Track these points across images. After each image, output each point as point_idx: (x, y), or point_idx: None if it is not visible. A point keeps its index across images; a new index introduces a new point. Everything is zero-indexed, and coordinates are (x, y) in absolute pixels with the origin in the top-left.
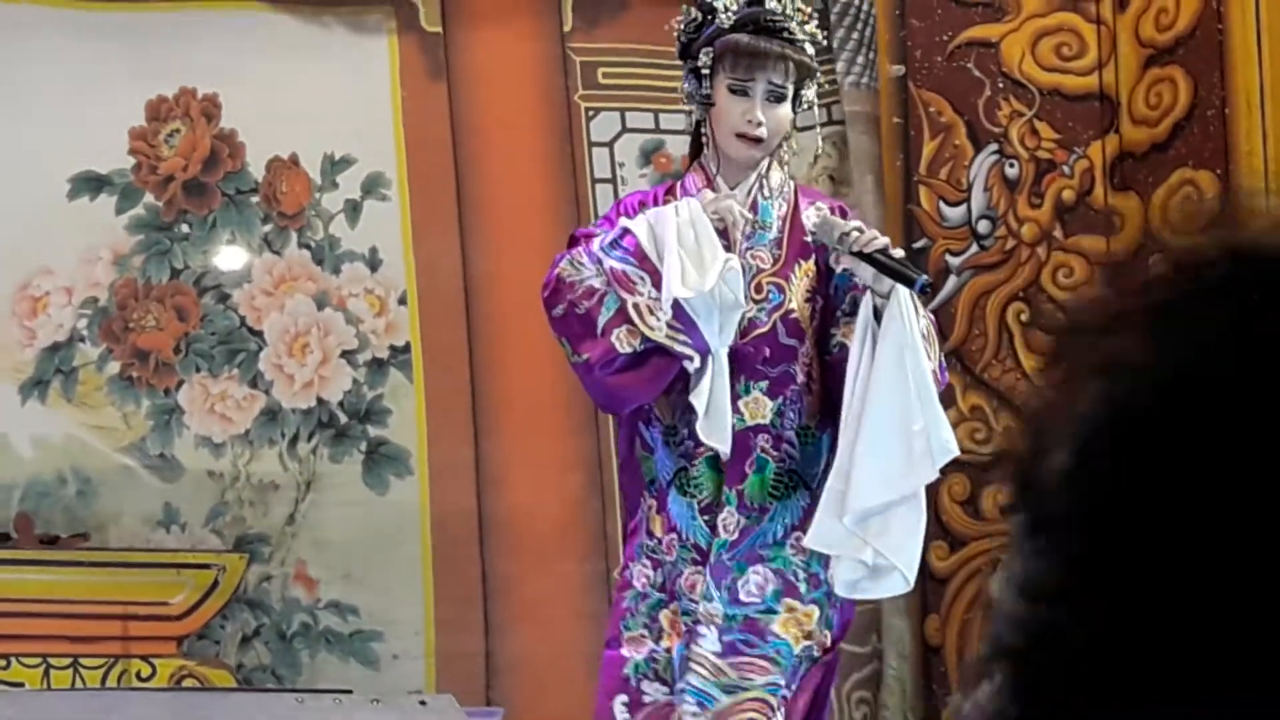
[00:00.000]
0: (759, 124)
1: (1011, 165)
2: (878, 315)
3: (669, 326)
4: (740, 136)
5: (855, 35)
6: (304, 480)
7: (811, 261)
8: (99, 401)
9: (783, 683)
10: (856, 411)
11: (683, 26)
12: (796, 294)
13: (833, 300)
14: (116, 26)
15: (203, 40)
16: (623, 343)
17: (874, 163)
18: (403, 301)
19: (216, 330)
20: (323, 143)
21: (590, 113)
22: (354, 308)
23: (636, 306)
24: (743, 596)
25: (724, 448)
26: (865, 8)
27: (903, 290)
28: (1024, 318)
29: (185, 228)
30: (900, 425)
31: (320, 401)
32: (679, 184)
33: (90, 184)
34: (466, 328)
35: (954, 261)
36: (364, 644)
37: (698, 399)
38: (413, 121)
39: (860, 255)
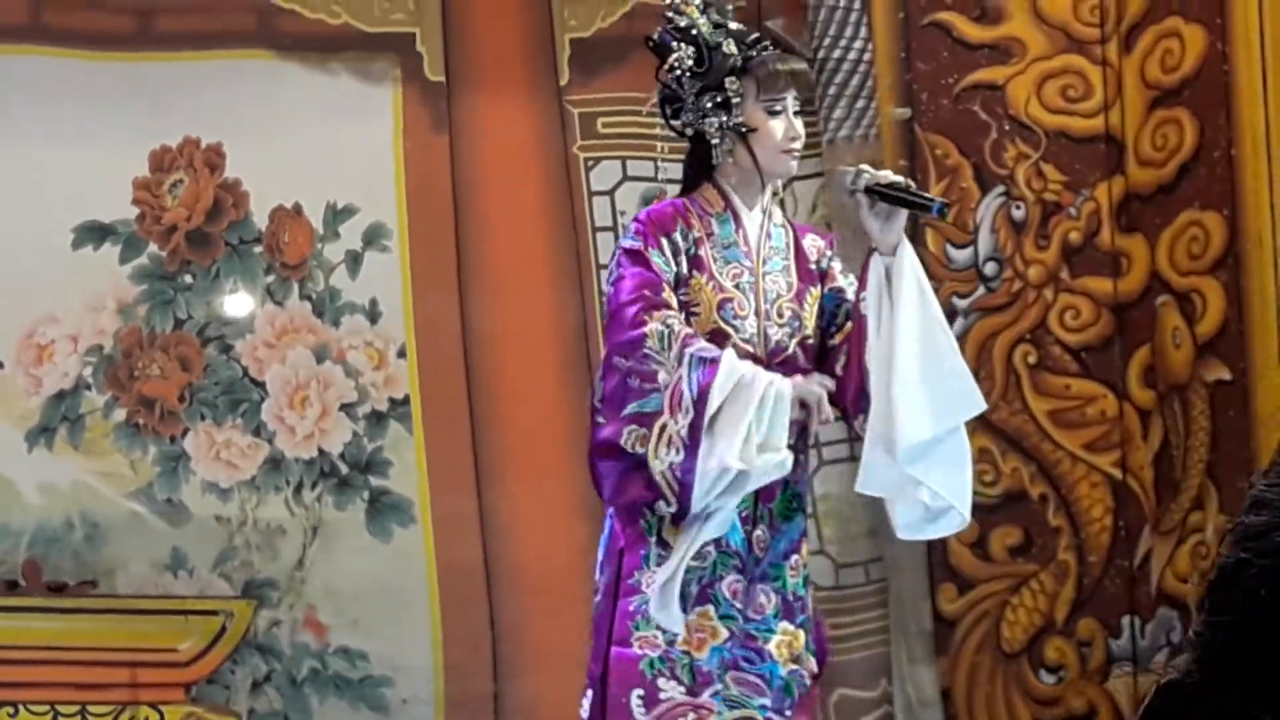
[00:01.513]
0: (798, 137)
1: (1018, 207)
2: (888, 277)
3: (670, 467)
4: (785, 152)
5: (833, 88)
6: (311, 526)
7: (817, 289)
8: (106, 448)
9: (770, 705)
10: (885, 356)
11: (684, 67)
12: (810, 320)
13: (825, 322)
14: (120, 76)
15: (206, 90)
16: (628, 440)
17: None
18: (402, 354)
19: (220, 380)
20: (326, 192)
21: (590, 162)
22: (353, 360)
23: (664, 428)
24: (751, 613)
25: (676, 629)
26: (849, 58)
27: (908, 247)
28: (1031, 360)
29: (189, 278)
30: (933, 364)
31: (322, 452)
32: (687, 200)
33: (94, 233)
34: (466, 380)
35: (961, 304)
36: (374, 689)
37: (664, 572)
38: (415, 172)
39: (874, 192)
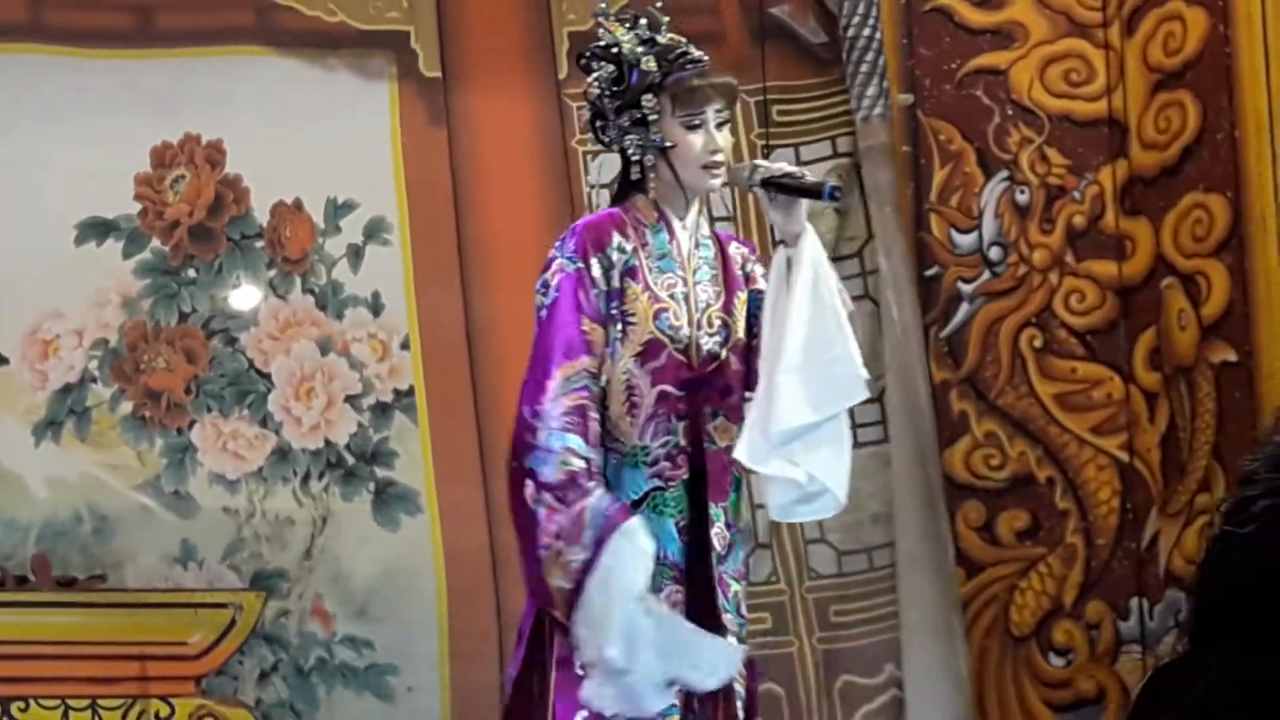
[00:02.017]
0: (719, 150)
1: (1022, 192)
2: (789, 266)
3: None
4: (705, 167)
5: (865, 66)
6: (319, 516)
7: (744, 293)
8: (113, 441)
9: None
10: (774, 344)
11: (602, 86)
12: (738, 325)
13: (749, 323)
14: (120, 73)
15: (206, 86)
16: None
17: (893, 194)
18: (405, 346)
19: (225, 372)
20: (326, 187)
21: (589, 156)
22: (357, 352)
23: (560, 553)
24: (744, 610)
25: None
26: (877, 37)
27: (811, 233)
28: (1037, 344)
29: (192, 272)
30: (818, 351)
31: (328, 443)
32: (623, 210)
33: (97, 229)
34: (470, 370)
35: (966, 289)
36: (379, 678)
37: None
38: (413, 166)
39: (769, 184)
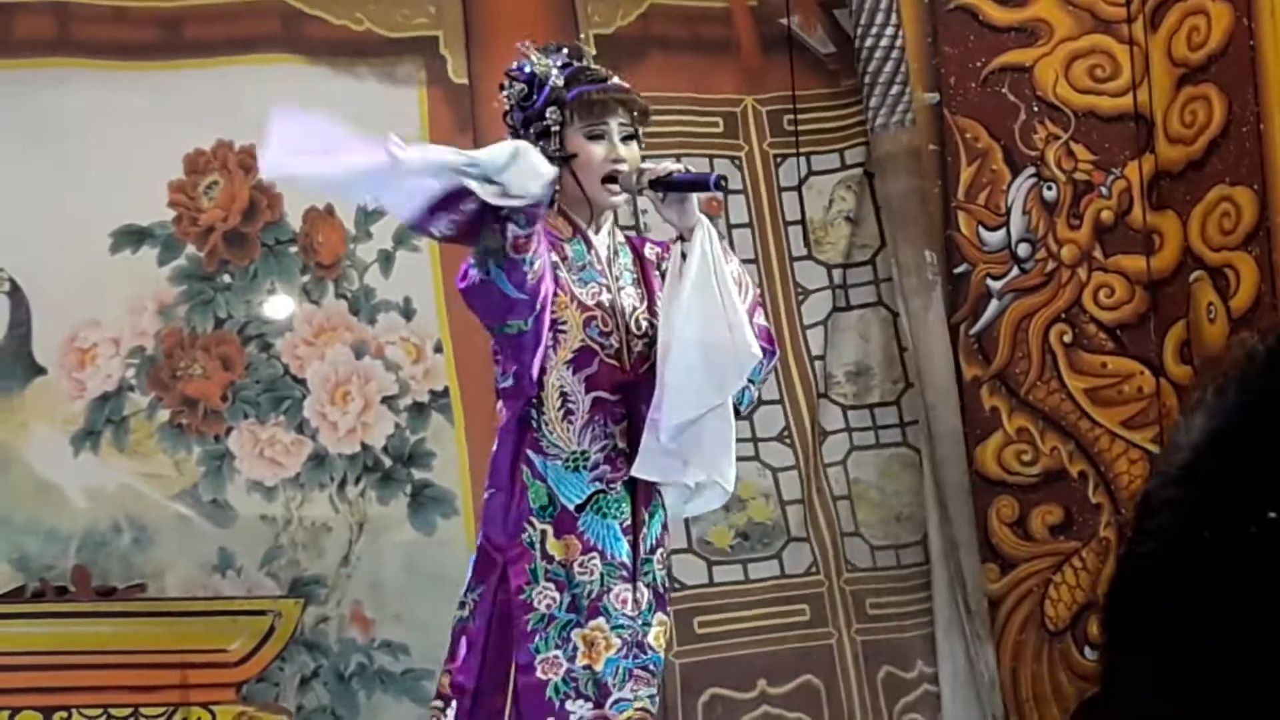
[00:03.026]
0: (621, 160)
1: (1049, 188)
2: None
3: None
4: (606, 180)
5: (884, 74)
6: (356, 522)
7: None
8: (150, 449)
9: (655, 693)
10: (665, 340)
11: (513, 102)
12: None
13: None
14: (150, 84)
15: (237, 94)
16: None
17: (915, 198)
18: (438, 349)
19: (261, 378)
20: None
21: None
22: (392, 354)
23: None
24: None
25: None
26: (897, 44)
27: (705, 225)
28: (1067, 339)
29: (227, 278)
30: (704, 343)
31: (365, 447)
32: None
33: (132, 237)
34: None
35: (995, 285)
36: (417, 682)
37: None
38: None
39: (655, 185)
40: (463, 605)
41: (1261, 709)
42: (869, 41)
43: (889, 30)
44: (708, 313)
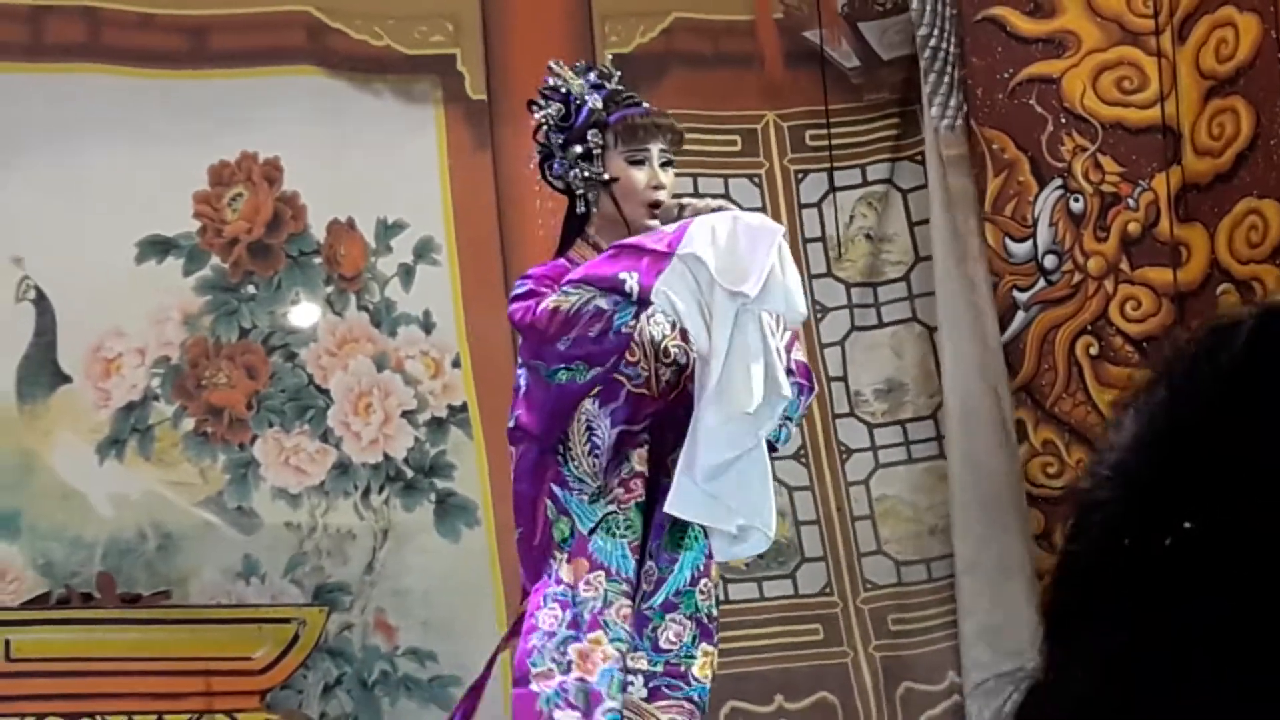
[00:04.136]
0: (662, 186)
1: (1076, 200)
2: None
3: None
4: (647, 203)
5: (946, 79)
6: (380, 529)
7: None
8: (175, 458)
9: None
10: (700, 380)
11: (550, 123)
12: (689, 353)
13: None
14: (176, 93)
15: (261, 106)
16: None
17: (976, 204)
18: (456, 364)
19: (286, 388)
20: (376, 207)
21: None
22: (411, 369)
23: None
24: (662, 644)
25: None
26: (952, 50)
27: None
28: (1093, 351)
29: (251, 288)
30: (740, 384)
31: (387, 457)
32: (566, 259)
33: (157, 247)
34: None
35: (1021, 297)
36: (442, 689)
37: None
38: (460, 188)
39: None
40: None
41: (1170, 712)
42: (934, 43)
43: (947, 36)
44: (742, 354)
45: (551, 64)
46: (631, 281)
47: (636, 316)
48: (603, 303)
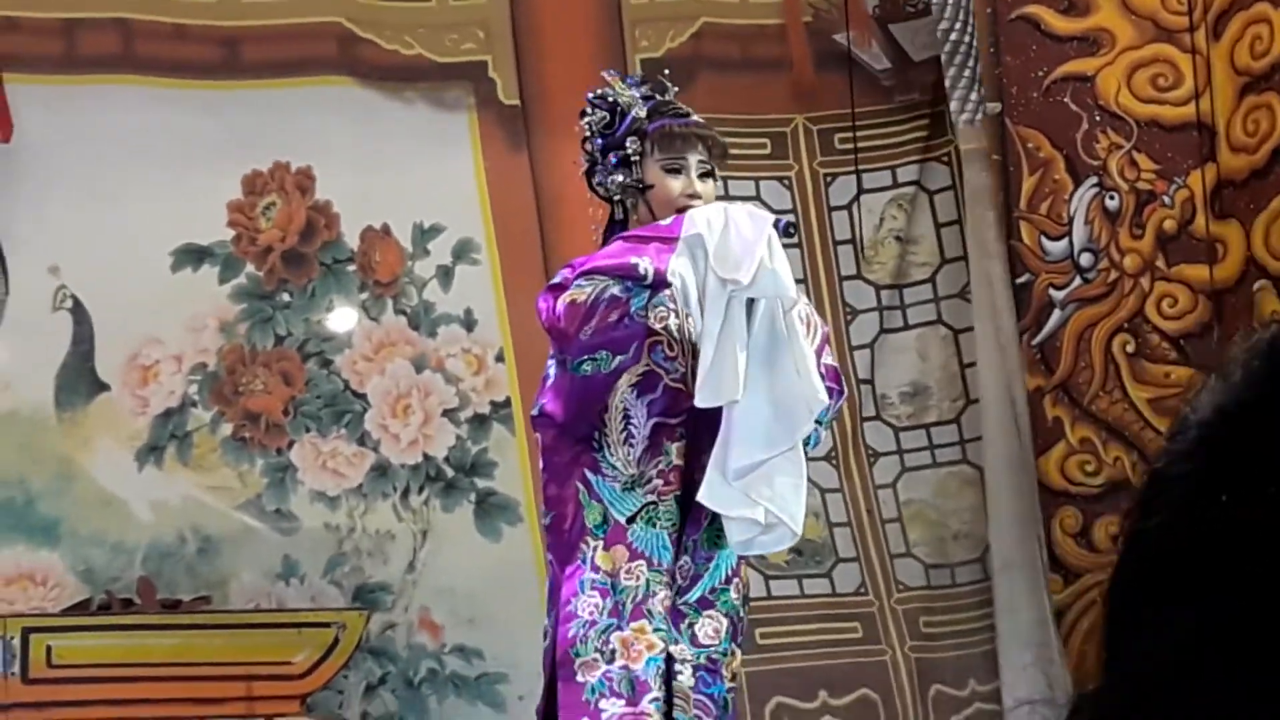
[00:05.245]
0: (697, 195)
1: (1112, 197)
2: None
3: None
4: (681, 210)
5: (966, 73)
6: (420, 530)
7: None
8: (214, 463)
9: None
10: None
11: (592, 130)
12: None
13: None
14: (209, 103)
15: (294, 115)
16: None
17: (992, 198)
18: (500, 358)
19: (322, 394)
20: (412, 213)
21: None
22: (452, 367)
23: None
24: (702, 639)
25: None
26: (973, 44)
27: None
28: (1130, 349)
29: (286, 296)
30: (773, 385)
31: (427, 457)
32: None
33: (192, 256)
34: None
35: (1058, 295)
36: (490, 686)
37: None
38: (497, 190)
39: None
40: (545, 634)
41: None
42: (955, 38)
43: (969, 32)
44: (776, 356)
45: (605, 74)
46: (644, 265)
47: (650, 300)
48: (616, 290)
